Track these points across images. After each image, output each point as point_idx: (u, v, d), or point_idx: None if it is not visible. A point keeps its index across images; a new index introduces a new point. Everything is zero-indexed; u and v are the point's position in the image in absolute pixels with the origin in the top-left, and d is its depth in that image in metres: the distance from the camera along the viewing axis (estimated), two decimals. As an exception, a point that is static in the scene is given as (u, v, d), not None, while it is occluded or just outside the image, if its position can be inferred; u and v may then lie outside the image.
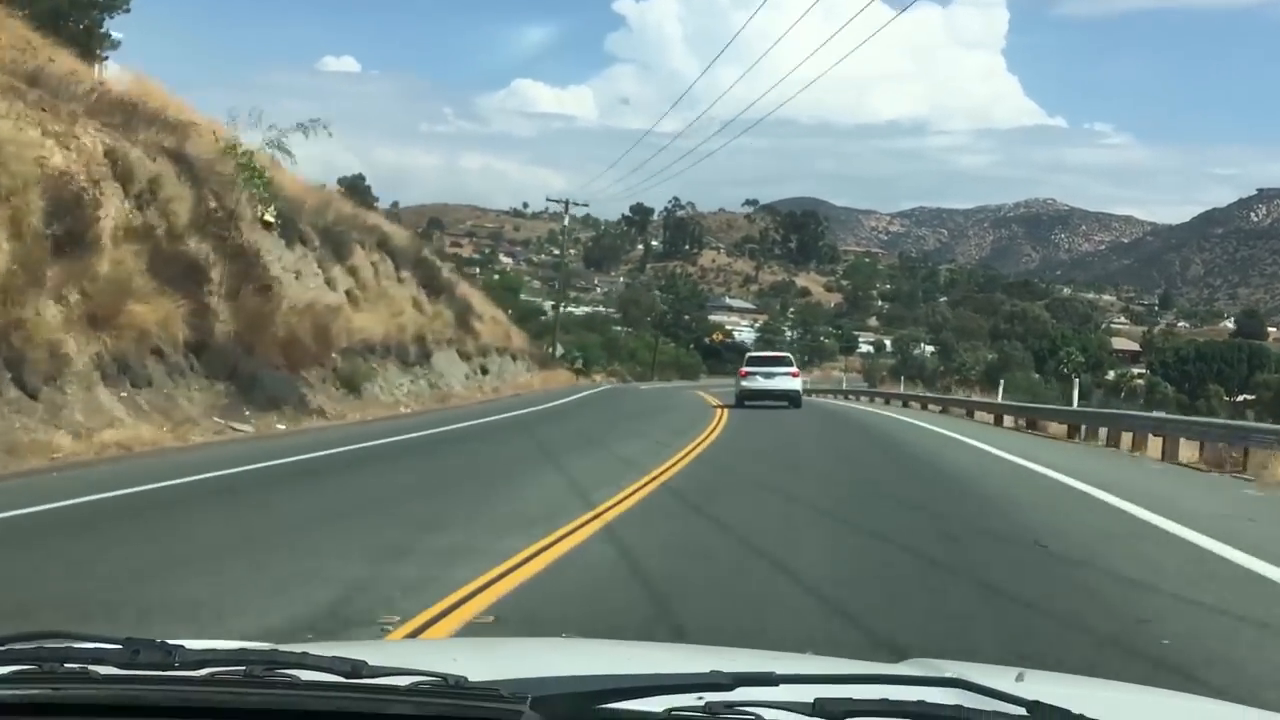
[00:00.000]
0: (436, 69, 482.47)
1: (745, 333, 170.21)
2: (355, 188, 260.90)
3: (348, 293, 31.57)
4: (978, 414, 36.54)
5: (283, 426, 21.95)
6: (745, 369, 37.18)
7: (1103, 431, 25.70)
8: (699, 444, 21.16)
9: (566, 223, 67.73)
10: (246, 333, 23.05)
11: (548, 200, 64.40)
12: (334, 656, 1.89)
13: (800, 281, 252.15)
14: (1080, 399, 35.93)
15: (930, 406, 44.17)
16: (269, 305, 24.44)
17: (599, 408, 36.76)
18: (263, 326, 23.77)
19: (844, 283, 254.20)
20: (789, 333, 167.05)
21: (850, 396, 60.79)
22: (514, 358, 51.80)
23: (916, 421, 31.61)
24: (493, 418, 28.23)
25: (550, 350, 74.94)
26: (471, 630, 6.40)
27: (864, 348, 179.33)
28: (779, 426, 28.40)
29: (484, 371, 43.06)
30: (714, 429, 26.15)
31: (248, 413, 21.57)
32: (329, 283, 30.65)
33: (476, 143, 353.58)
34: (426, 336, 35.94)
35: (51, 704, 1.78)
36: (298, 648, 2.04)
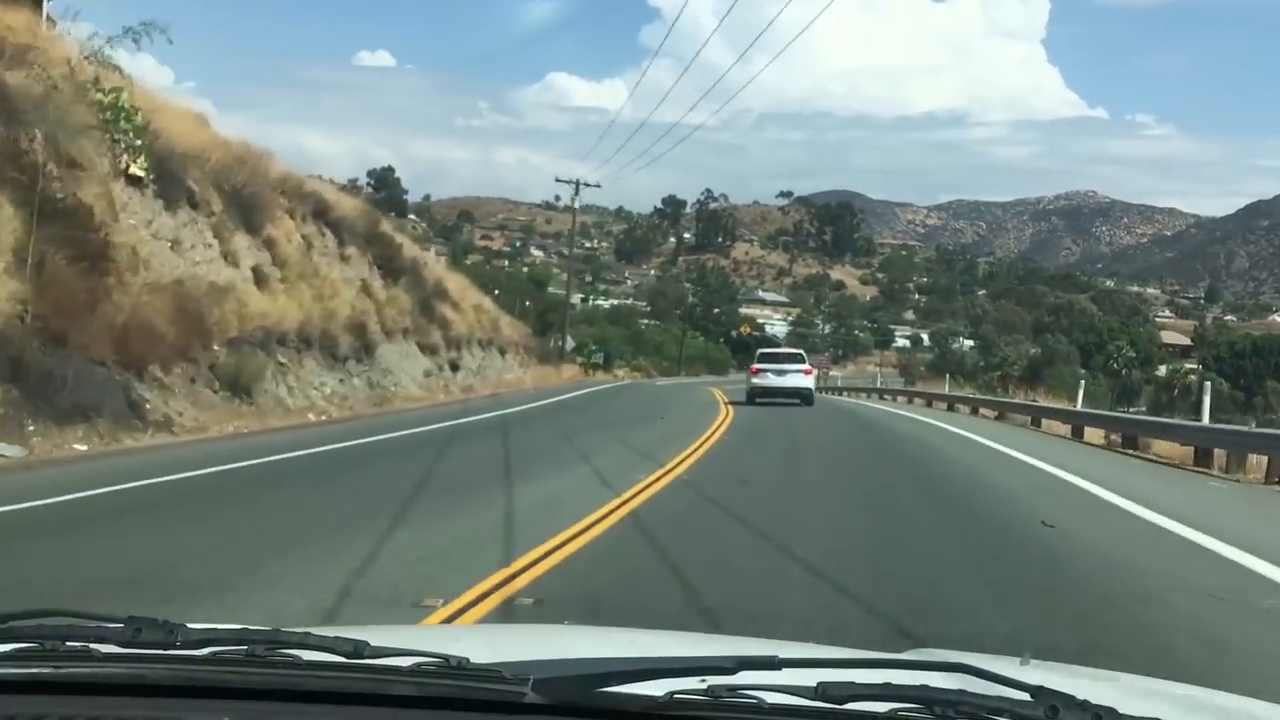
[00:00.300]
0: (471, 63, 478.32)
1: (778, 326, 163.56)
2: (384, 180, 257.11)
3: (255, 269, 25.16)
4: (1045, 422, 29.73)
5: (83, 447, 15.55)
6: (756, 365, 35.85)
7: (1222, 454, 18.86)
8: (663, 475, 14.61)
9: (575, 204, 61.36)
10: (56, 316, 16.70)
11: (557, 180, 57.25)
12: (336, 637, 1.88)
13: (835, 274, 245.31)
14: (1127, 400, 28.95)
15: (983, 411, 37.13)
16: (102, 281, 18.06)
17: (578, 412, 30.41)
18: (88, 308, 17.41)
19: (880, 276, 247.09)
20: (823, 326, 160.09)
21: (886, 396, 53.83)
22: (502, 351, 45.41)
23: (973, 436, 24.67)
24: (419, 429, 21.74)
25: (558, 344, 68.47)
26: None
27: (900, 342, 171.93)
28: (787, 439, 21.79)
29: (454, 368, 36.66)
30: (701, 444, 19.58)
31: (30, 426, 15.24)
32: (227, 256, 24.26)
33: (511, 136, 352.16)
34: (368, 325, 29.50)
35: (52, 682, 1.80)
36: (300, 629, 1.98)
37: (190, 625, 1.90)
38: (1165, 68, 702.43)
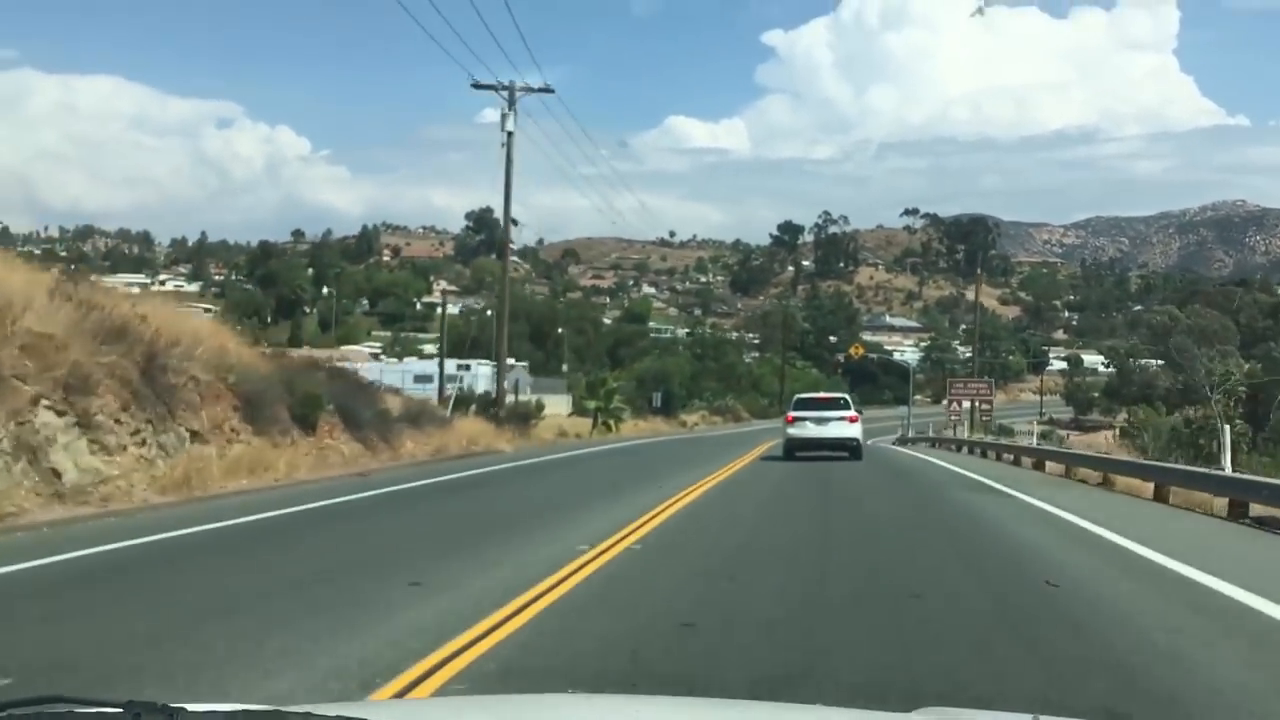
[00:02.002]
0: (590, 112, 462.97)
1: (908, 352, 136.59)
2: (483, 221, 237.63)
3: None
4: None
5: None
6: (793, 414, 31.52)
7: None
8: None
9: (511, 125, 37.16)
10: None
11: (473, 86, 29.94)
12: (338, 716, 1.89)
13: (970, 295, 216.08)
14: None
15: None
16: None
17: None
18: None
19: (1022, 295, 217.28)
20: (962, 350, 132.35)
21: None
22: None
23: None
24: None
25: (498, 395, 43.24)
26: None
27: (1054, 364, 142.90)
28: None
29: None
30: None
31: None
32: None
33: (631, 181, 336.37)
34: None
35: None
36: (302, 708, 1.95)
37: (190, 708, 1.84)
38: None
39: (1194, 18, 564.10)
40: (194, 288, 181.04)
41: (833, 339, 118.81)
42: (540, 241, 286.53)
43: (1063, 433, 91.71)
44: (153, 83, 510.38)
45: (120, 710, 1.79)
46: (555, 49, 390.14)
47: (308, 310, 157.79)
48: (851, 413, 32.15)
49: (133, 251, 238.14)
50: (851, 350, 76.77)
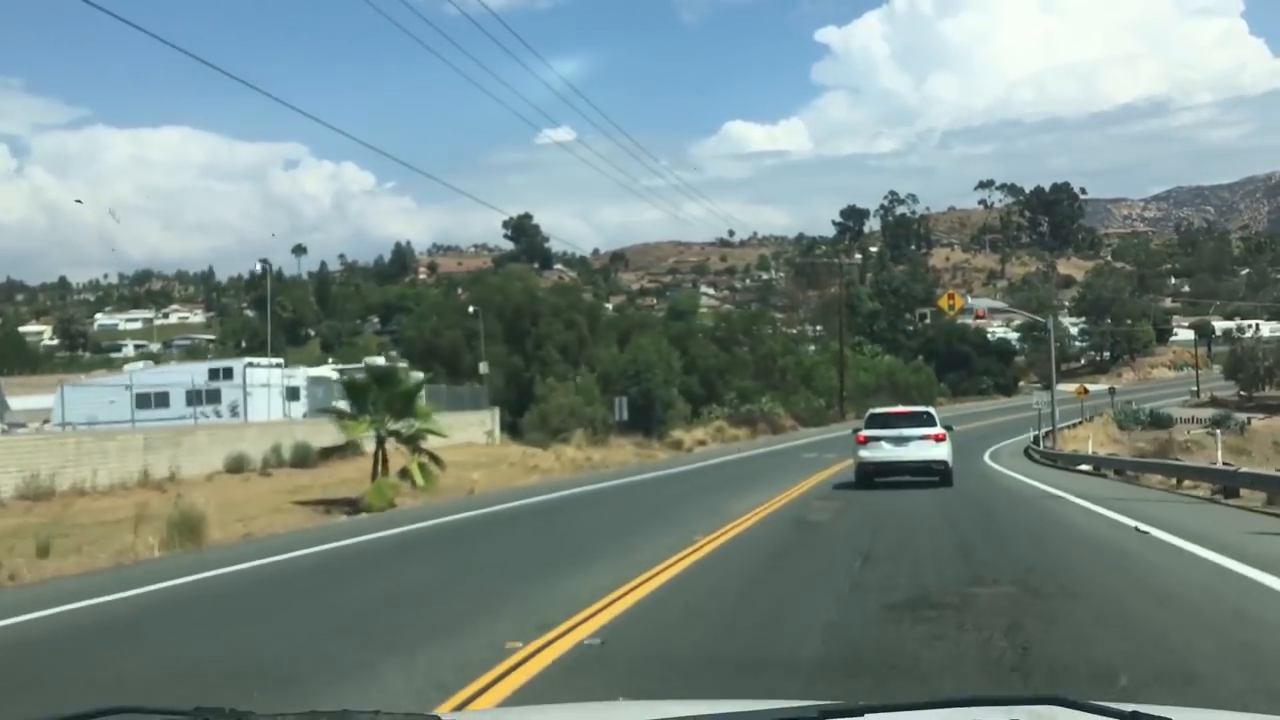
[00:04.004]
0: (648, 125, 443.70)
1: (1000, 331, 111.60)
2: (521, 229, 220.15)
3: None
4: None
5: None
6: (865, 433, 26.94)
7: None
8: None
9: None
10: None
11: None
12: (406, 714, 1.90)
13: (1062, 268, 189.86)
14: None
15: None
16: None
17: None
18: None
19: (1118, 265, 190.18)
20: (1071, 325, 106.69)
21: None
22: None
23: None
24: None
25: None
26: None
27: (1178, 334, 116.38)
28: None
29: None
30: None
31: None
32: None
33: (694, 189, 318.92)
34: None
35: None
36: (369, 709, 1.93)
37: (258, 714, 1.83)
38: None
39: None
40: (201, 318, 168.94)
41: (912, 322, 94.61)
42: (595, 251, 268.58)
43: (1240, 416, 66.61)
44: (221, 130, 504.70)
45: (188, 715, 1.78)
46: (605, 64, 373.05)
47: (311, 333, 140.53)
48: (937, 429, 27.07)
49: (185, 291, 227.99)
50: (941, 302, 51.44)
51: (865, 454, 26.60)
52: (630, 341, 59.56)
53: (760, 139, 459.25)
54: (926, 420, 27.41)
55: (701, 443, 45.19)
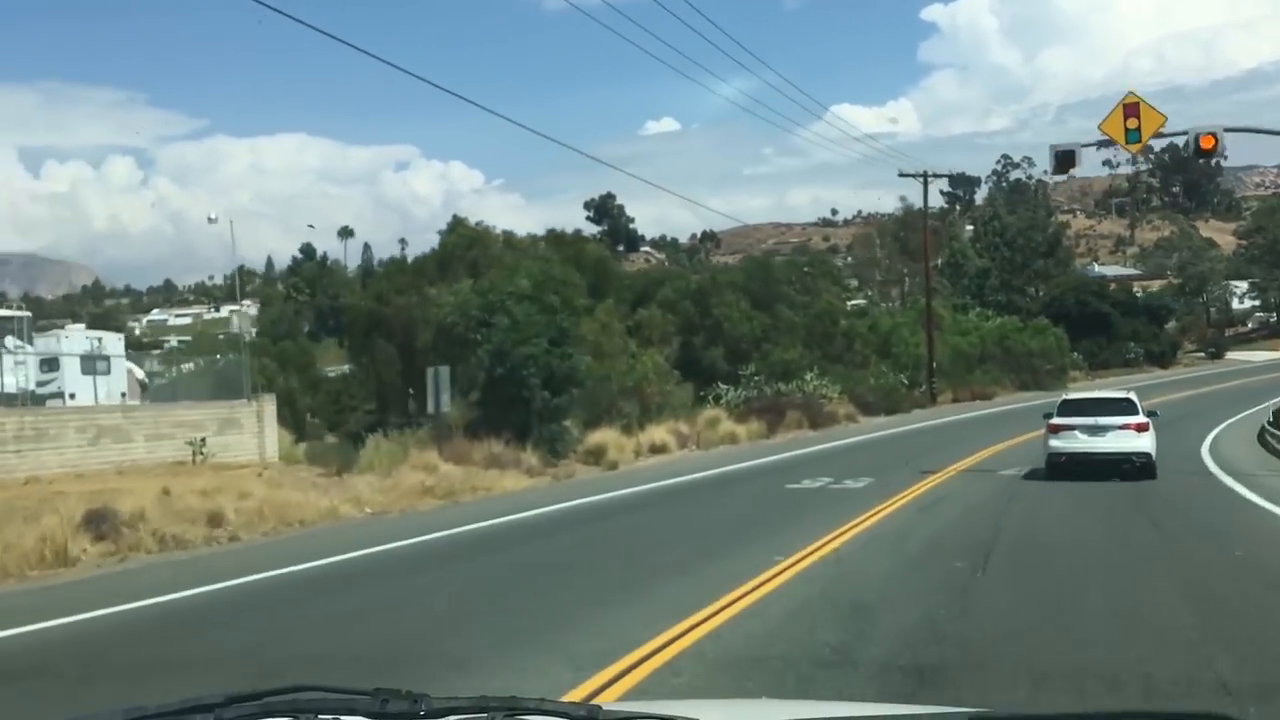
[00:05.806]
0: (752, 112, 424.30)
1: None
2: (604, 209, 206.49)
3: None
4: None
5: None
6: (1056, 420, 24.37)
7: None
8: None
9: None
10: None
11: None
12: (571, 702, 1.81)
13: (1202, 230, 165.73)
14: None
15: None
16: None
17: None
18: None
19: (1263, 227, 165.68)
20: (1240, 285, 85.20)
21: None
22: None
23: None
24: None
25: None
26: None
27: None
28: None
29: None
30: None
31: None
32: None
33: (801, 176, 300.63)
34: None
35: None
36: (536, 696, 2.00)
37: (434, 696, 1.90)
38: None
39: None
40: (254, 309, 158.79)
41: (1029, 270, 74.96)
42: (694, 236, 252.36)
43: None
44: (335, 135, 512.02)
45: (369, 696, 1.84)
46: (714, 55, 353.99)
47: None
48: (1139, 418, 24.39)
49: (275, 289, 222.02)
50: (1202, 142, 31.55)
51: (1057, 444, 24.43)
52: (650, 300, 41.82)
53: (869, 121, 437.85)
54: (1127, 408, 24.72)
55: (659, 449, 27.09)
